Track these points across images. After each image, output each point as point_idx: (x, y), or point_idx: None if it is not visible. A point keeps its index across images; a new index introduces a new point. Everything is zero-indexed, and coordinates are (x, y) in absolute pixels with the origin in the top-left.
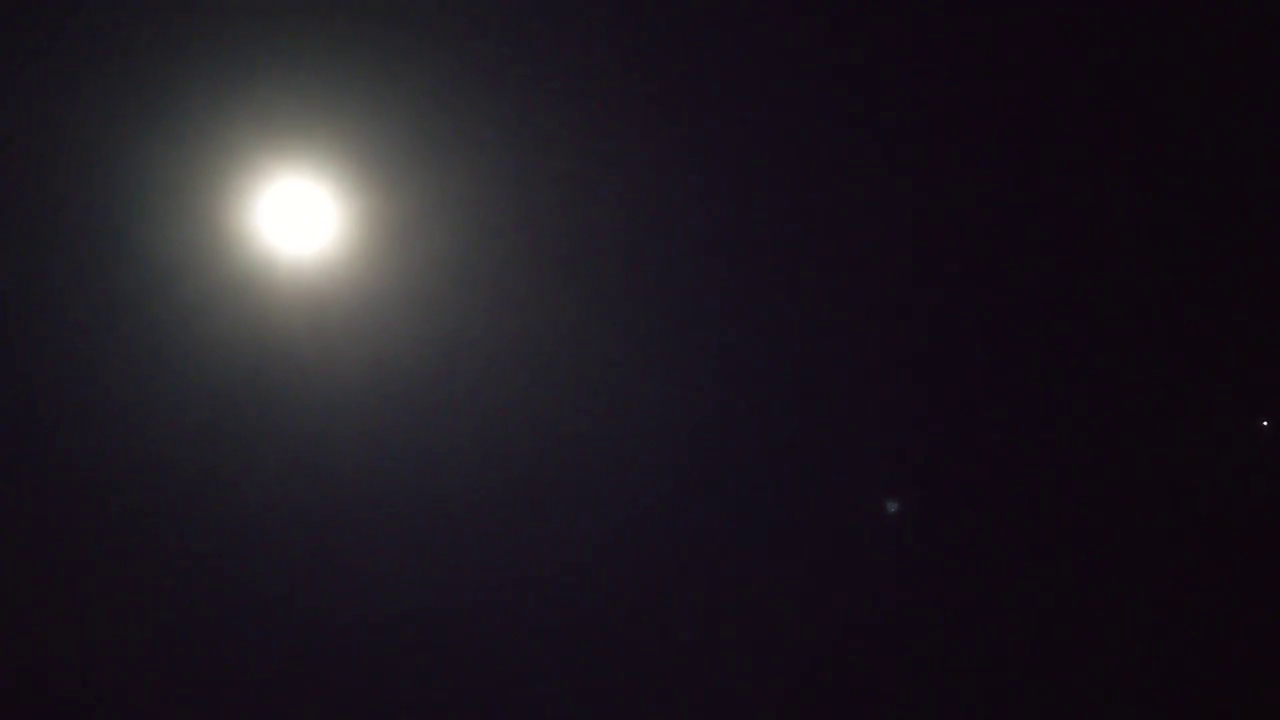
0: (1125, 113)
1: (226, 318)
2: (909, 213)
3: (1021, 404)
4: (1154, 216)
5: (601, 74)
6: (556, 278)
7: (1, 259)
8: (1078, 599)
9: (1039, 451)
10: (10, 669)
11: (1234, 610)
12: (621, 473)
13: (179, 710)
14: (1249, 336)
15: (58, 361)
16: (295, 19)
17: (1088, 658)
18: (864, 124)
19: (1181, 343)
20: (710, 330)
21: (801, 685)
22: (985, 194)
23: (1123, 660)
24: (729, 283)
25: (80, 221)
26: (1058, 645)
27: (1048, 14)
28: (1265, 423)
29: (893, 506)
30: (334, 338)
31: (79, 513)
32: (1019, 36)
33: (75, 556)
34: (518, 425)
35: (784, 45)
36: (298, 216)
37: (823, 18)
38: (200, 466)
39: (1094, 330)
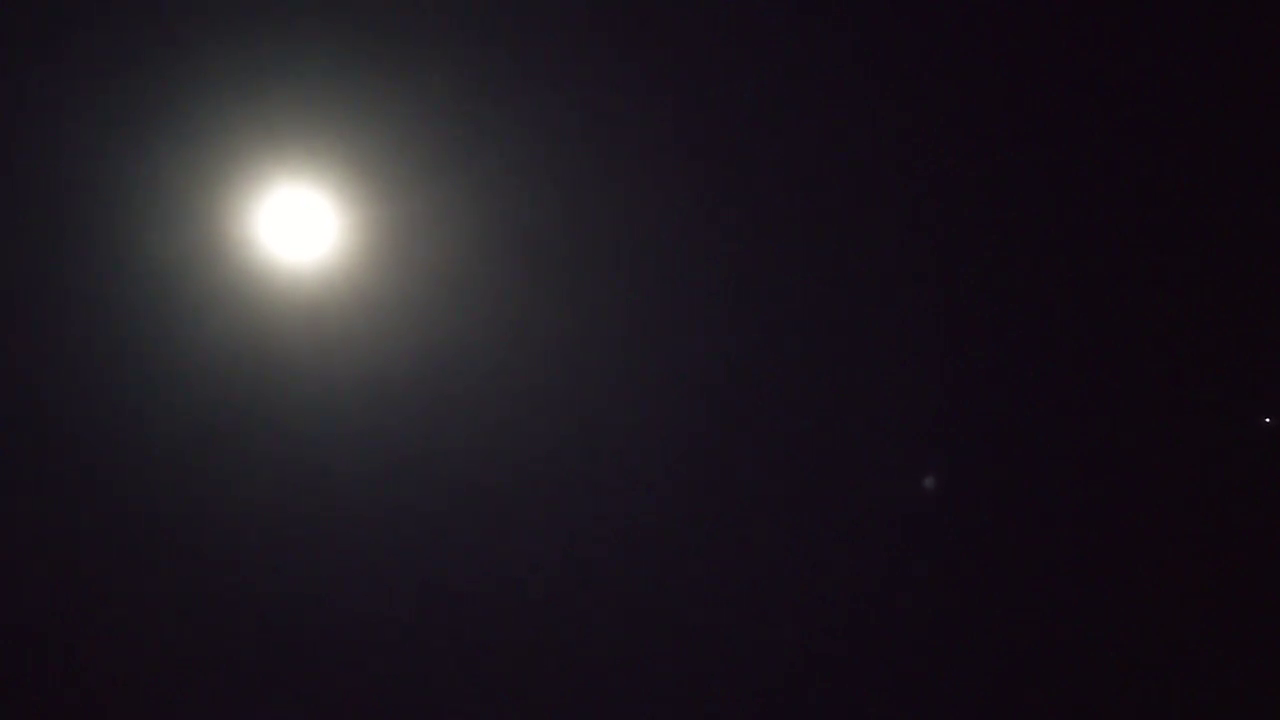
0: (1126, 109)
1: (226, 325)
2: (911, 212)
3: (1023, 405)
4: (1155, 212)
5: (603, 82)
6: (556, 287)
7: (2, 264)
8: (1080, 599)
9: (1039, 453)
10: (11, 669)
11: (1234, 609)
12: (619, 481)
13: (174, 710)
14: (1250, 333)
15: (58, 367)
16: (297, 26)
17: (1092, 655)
18: (864, 123)
19: (1182, 340)
20: (711, 340)
21: (801, 685)
22: (986, 191)
23: (1125, 659)
24: (730, 291)
25: (81, 227)
26: (1061, 643)
27: (1048, 15)
28: (1267, 419)
29: (930, 482)
30: (333, 346)
31: (77, 518)
32: (1018, 35)
33: (73, 561)
34: (516, 433)
35: (787, 46)
36: (298, 224)
37: (825, 18)
38: (199, 473)
39: (1094, 330)
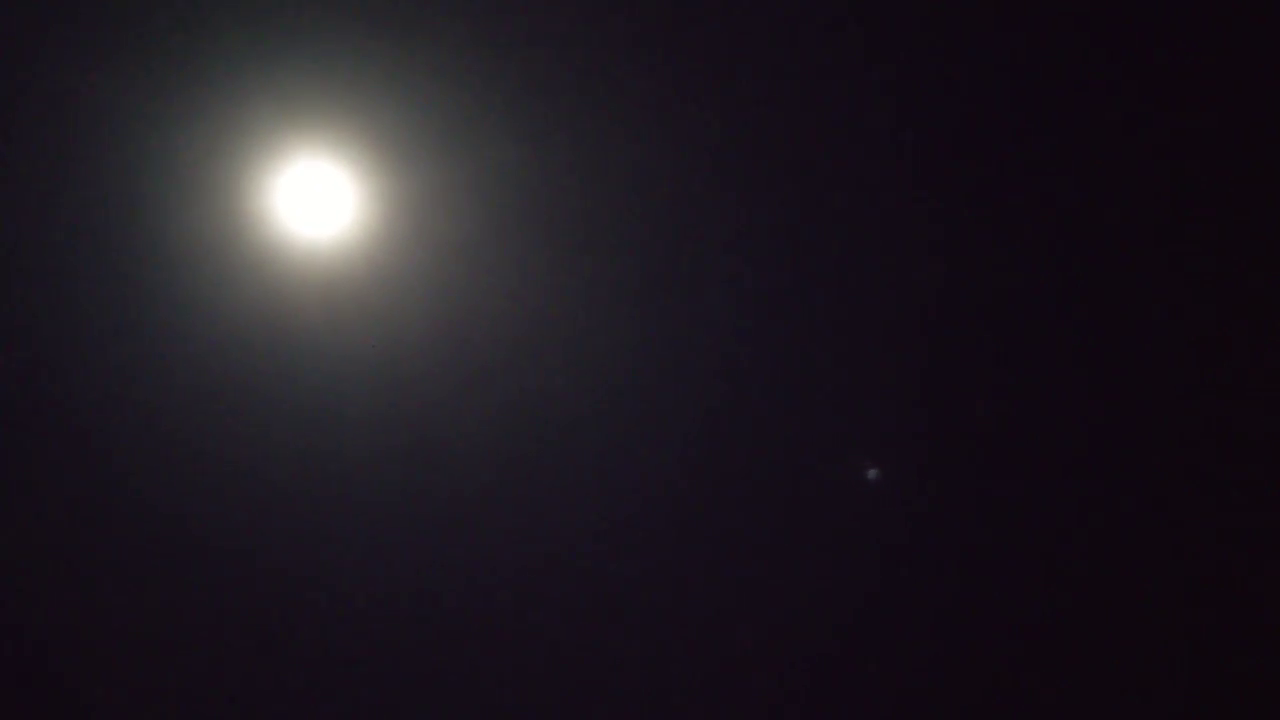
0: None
1: (242, 301)
2: (908, 206)
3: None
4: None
5: (623, 59)
6: (573, 264)
7: (18, 239)
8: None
9: (1038, 446)
10: (11, 659)
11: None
12: (635, 459)
13: (181, 693)
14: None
15: (71, 343)
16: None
17: (1095, 649)
18: (866, 118)
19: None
20: (726, 320)
21: (800, 682)
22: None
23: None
24: (745, 273)
25: (96, 203)
26: (1060, 639)
27: (1047, 16)
28: None
29: (873, 474)
30: (349, 322)
31: (89, 492)
32: (1018, 36)
33: (87, 534)
34: (531, 411)
35: (799, 34)
36: (315, 200)
37: (832, 13)
38: (213, 450)
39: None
